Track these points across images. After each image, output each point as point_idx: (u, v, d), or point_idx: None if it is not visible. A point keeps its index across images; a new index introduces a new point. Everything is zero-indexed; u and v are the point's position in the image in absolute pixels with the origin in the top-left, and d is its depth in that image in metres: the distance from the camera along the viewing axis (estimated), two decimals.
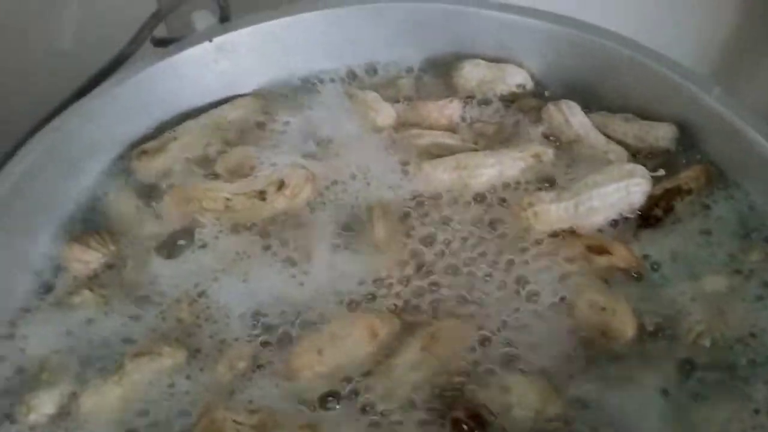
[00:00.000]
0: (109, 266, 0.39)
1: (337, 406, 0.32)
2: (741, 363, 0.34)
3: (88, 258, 0.39)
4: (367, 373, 0.33)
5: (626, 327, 0.34)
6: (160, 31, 0.45)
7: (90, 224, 0.41)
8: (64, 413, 0.33)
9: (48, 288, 0.38)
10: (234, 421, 0.31)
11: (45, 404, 0.33)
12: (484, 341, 0.35)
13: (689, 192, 0.40)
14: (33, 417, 0.33)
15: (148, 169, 0.43)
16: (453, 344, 0.34)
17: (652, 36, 0.45)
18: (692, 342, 0.34)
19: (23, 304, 0.37)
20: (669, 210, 0.40)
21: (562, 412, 0.32)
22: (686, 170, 0.41)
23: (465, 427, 0.31)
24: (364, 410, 0.32)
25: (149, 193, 0.42)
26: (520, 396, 0.32)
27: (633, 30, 0.45)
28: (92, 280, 0.38)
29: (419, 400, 0.32)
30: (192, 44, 0.45)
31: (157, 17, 0.44)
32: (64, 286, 0.38)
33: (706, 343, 0.34)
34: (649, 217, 0.40)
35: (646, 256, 0.38)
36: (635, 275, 0.37)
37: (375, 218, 0.39)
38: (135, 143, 0.44)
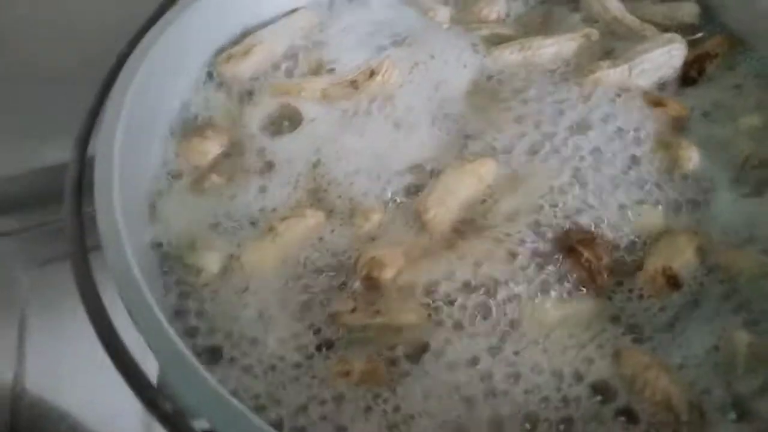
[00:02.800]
0: (226, 155, 0.42)
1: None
2: None
3: (206, 148, 0.42)
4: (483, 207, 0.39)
5: (692, 155, 0.41)
6: None
7: (196, 122, 0.44)
8: (229, 271, 0.37)
9: (177, 175, 0.41)
10: (389, 253, 0.36)
11: (210, 264, 0.37)
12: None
13: (716, 56, 0.47)
14: (204, 276, 0.36)
15: (236, 72, 0.46)
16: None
17: None
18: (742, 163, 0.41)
19: (158, 189, 0.40)
20: (702, 71, 0.47)
21: None
22: (710, 39, 0.48)
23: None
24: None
25: (242, 92, 0.45)
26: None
27: None
28: (214, 168, 0.42)
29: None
30: None
31: None
32: (189, 174, 0.41)
33: (755, 161, 0.41)
34: (687, 78, 0.47)
35: (691, 109, 0.45)
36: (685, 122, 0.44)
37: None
38: (218, 52, 0.47)
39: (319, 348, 0.34)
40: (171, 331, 0.29)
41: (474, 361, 0.34)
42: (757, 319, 0.35)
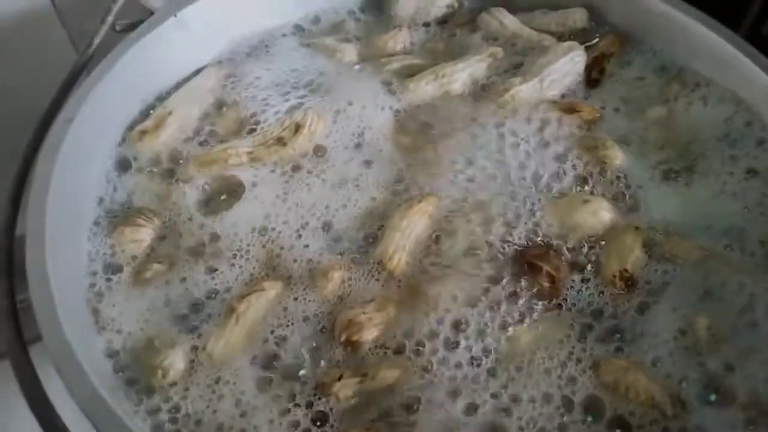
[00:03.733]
0: (161, 238, 0.40)
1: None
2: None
3: (140, 236, 0.39)
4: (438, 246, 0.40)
5: (617, 153, 0.43)
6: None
7: (123, 211, 0.41)
8: (196, 365, 0.35)
9: (116, 269, 0.38)
10: (362, 312, 0.35)
11: (176, 362, 0.35)
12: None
13: (611, 55, 0.50)
14: (171, 374, 0.34)
15: (152, 147, 0.44)
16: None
17: None
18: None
19: (97, 290, 0.37)
20: (602, 71, 0.50)
21: None
22: (603, 40, 0.51)
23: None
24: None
25: (165, 170, 0.43)
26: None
27: None
28: (152, 254, 0.39)
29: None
30: (155, 24, 0.46)
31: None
32: (129, 265, 0.39)
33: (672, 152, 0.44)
34: (591, 80, 0.49)
35: (602, 108, 0.47)
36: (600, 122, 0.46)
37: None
38: (129, 128, 0.44)
39: (314, 422, 0.33)
40: None
41: (468, 404, 0.34)
42: (709, 300, 0.37)
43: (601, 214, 0.40)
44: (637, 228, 0.40)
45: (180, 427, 0.33)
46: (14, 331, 0.31)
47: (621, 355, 0.36)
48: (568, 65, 0.48)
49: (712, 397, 0.34)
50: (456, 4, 0.54)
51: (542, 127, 0.45)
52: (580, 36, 0.52)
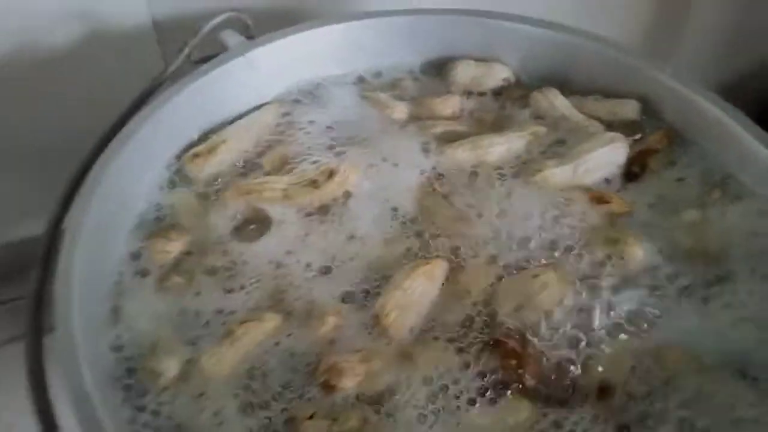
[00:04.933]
0: (188, 254, 0.44)
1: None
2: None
3: (169, 248, 0.43)
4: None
5: (638, 251, 0.43)
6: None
7: (160, 222, 0.45)
8: (185, 376, 0.38)
9: (144, 273, 0.42)
10: (347, 360, 0.37)
11: (170, 368, 0.38)
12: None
13: (657, 151, 0.50)
14: (162, 380, 0.37)
15: (202, 170, 0.48)
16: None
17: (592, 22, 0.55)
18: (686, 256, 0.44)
19: (122, 288, 0.41)
20: (644, 167, 0.50)
21: None
22: (652, 135, 0.51)
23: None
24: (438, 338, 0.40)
25: (207, 192, 0.47)
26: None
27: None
28: (176, 268, 0.43)
29: None
30: (225, 61, 0.50)
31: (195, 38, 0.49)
32: (154, 273, 0.42)
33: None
34: (630, 173, 0.49)
35: (633, 202, 0.47)
36: (629, 217, 0.46)
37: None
38: (184, 150, 0.49)
39: None
40: None
41: None
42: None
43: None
44: None
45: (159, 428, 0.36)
46: (34, 315, 0.35)
47: None
48: (607, 156, 0.48)
49: None
50: (512, 79, 0.56)
51: (567, 212, 0.46)
52: (630, 127, 0.52)
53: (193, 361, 0.38)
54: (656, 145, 0.51)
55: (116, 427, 0.32)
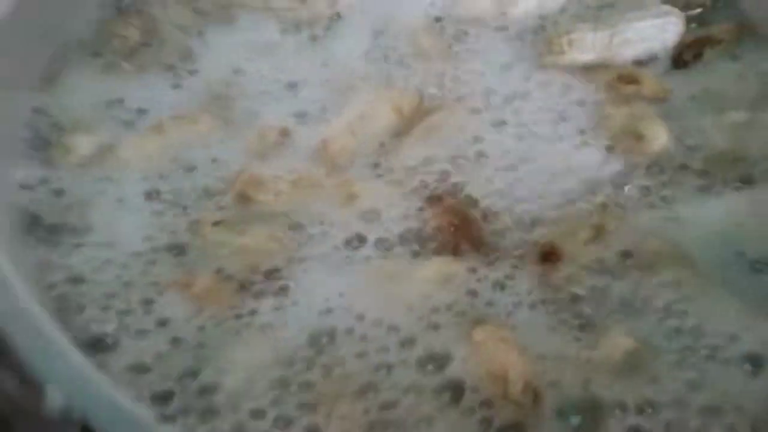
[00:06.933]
0: (145, 44, 0.39)
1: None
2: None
3: (127, 33, 0.39)
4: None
5: (661, 134, 0.36)
6: None
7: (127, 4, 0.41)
8: (98, 157, 0.34)
9: (94, 53, 0.39)
10: (274, 176, 0.32)
11: (82, 146, 0.34)
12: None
13: (719, 42, 0.41)
14: (71, 157, 0.34)
15: None
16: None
17: None
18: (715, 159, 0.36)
19: (68, 57, 0.38)
20: (698, 56, 0.41)
21: None
22: (720, 24, 0.42)
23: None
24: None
25: None
26: None
27: None
28: (131, 55, 0.39)
29: None
30: None
31: None
32: (108, 53, 0.39)
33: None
34: (679, 60, 0.41)
35: (671, 91, 0.39)
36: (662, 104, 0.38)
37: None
38: None
39: (168, 249, 0.31)
40: None
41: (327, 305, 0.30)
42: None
43: None
44: None
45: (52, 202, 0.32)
46: None
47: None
48: (654, 30, 0.40)
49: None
50: None
51: (579, 85, 0.38)
52: (697, 10, 0.43)
53: (112, 146, 0.34)
54: (721, 35, 0.41)
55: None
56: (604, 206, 0.33)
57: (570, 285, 0.30)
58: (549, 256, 0.30)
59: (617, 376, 0.25)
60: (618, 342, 0.26)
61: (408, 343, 0.28)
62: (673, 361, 0.27)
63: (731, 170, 0.35)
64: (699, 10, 0.42)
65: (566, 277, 0.30)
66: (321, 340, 0.28)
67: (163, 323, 0.28)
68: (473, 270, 0.30)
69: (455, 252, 0.31)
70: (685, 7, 0.42)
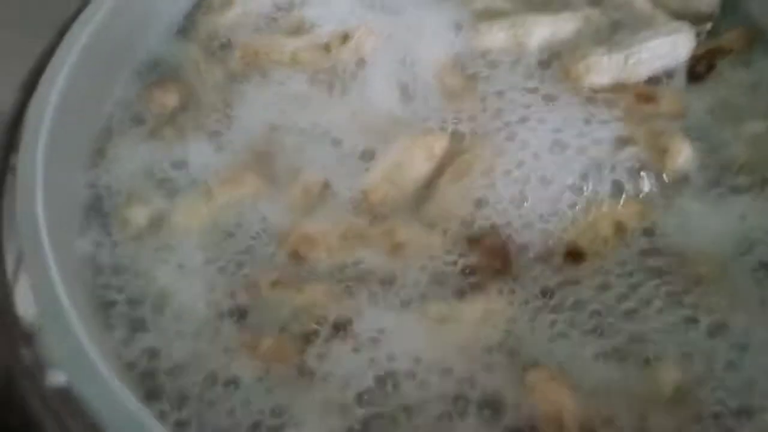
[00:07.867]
0: (184, 108, 0.41)
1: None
2: None
3: (166, 101, 0.41)
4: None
5: (684, 148, 0.37)
6: None
7: (162, 72, 0.43)
8: (156, 226, 0.36)
9: (138, 121, 0.41)
10: (320, 232, 0.34)
11: (138, 216, 0.36)
12: None
13: (730, 51, 0.43)
14: (129, 229, 0.36)
15: (215, 23, 0.45)
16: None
17: None
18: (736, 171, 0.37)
19: (111, 130, 0.40)
20: (711, 68, 0.42)
21: None
22: (728, 33, 0.43)
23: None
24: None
25: (213, 47, 0.44)
26: None
27: None
28: (171, 120, 0.41)
29: None
30: None
31: None
32: (148, 123, 0.41)
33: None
34: (693, 73, 0.42)
35: (688, 107, 0.40)
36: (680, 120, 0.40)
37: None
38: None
39: (231, 314, 0.33)
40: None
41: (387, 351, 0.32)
42: None
43: None
44: None
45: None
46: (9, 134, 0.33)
47: None
48: (666, 47, 0.41)
49: None
50: None
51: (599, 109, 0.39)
52: (704, 22, 0.44)
53: (165, 214, 0.36)
54: (730, 44, 0.43)
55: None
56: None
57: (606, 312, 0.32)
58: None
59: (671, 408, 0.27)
60: (667, 373, 0.28)
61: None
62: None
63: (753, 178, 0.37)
64: (709, 24, 0.43)
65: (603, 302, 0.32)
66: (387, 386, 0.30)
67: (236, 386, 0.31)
68: (513, 304, 0.32)
69: (497, 289, 0.33)
70: (695, 21, 0.44)
